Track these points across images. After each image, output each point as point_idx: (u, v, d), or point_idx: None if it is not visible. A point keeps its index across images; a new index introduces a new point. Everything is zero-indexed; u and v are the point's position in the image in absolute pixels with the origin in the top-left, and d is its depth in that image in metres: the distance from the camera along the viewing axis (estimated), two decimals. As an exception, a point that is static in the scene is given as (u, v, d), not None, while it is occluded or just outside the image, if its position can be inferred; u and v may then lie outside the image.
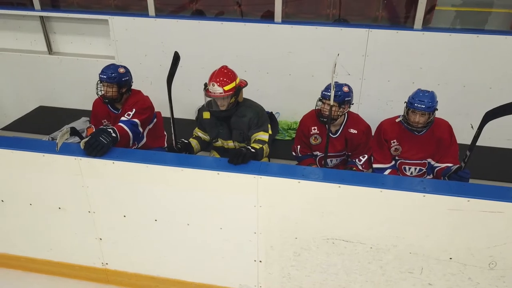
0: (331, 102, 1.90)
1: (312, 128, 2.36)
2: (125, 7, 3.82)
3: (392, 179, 1.86)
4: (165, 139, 2.79)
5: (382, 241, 1.74)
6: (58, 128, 3.47)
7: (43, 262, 2.28)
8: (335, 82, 1.90)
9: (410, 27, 3.12)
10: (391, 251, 1.76)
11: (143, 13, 3.53)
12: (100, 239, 2.11)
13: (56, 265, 2.27)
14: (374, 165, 2.36)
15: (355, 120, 2.36)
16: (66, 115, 3.77)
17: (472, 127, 3.12)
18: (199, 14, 3.70)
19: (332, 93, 1.87)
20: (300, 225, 1.80)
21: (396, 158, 2.36)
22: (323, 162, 2.15)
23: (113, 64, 2.47)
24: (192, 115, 3.57)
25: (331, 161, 2.47)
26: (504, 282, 1.72)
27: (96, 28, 3.69)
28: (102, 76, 2.37)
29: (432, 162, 2.32)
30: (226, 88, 2.12)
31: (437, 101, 2.15)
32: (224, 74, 2.15)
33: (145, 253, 2.11)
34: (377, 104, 3.30)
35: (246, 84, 2.29)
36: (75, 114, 3.75)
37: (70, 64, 3.80)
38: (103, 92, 2.41)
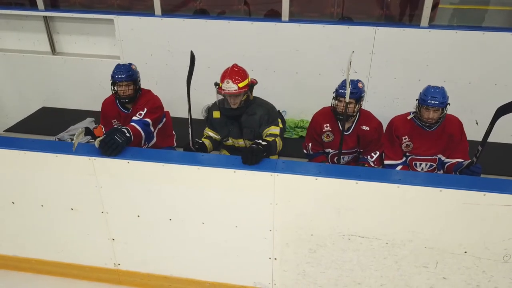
0: (347, 99, 1.91)
1: (325, 125, 2.36)
2: (128, 6, 3.80)
3: (409, 175, 1.86)
4: (174, 139, 2.78)
5: (398, 236, 1.75)
6: (62, 129, 3.45)
7: (53, 263, 2.26)
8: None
9: (417, 25, 3.13)
10: (406, 246, 1.77)
11: (149, 12, 3.50)
12: (113, 239, 2.09)
13: (66, 267, 2.25)
14: (386, 162, 2.37)
15: (367, 117, 2.38)
16: (70, 116, 3.74)
17: (477, 123, 3.14)
18: (202, 13, 3.69)
19: (348, 90, 1.88)
20: (316, 222, 1.80)
21: (407, 154, 2.37)
22: (336, 159, 2.16)
23: (122, 64, 2.46)
24: (198, 114, 3.57)
25: (343, 158, 2.47)
26: (518, 275, 1.74)
27: (100, 28, 3.67)
28: (118, 76, 2.36)
29: (443, 158, 2.34)
30: (241, 85, 2.14)
31: (448, 96, 2.17)
32: (236, 72, 2.17)
33: (158, 253, 2.10)
34: (383, 102, 3.31)
35: (256, 82, 2.30)
36: (79, 115, 3.72)
37: (74, 64, 3.77)
38: (120, 93, 2.40)
